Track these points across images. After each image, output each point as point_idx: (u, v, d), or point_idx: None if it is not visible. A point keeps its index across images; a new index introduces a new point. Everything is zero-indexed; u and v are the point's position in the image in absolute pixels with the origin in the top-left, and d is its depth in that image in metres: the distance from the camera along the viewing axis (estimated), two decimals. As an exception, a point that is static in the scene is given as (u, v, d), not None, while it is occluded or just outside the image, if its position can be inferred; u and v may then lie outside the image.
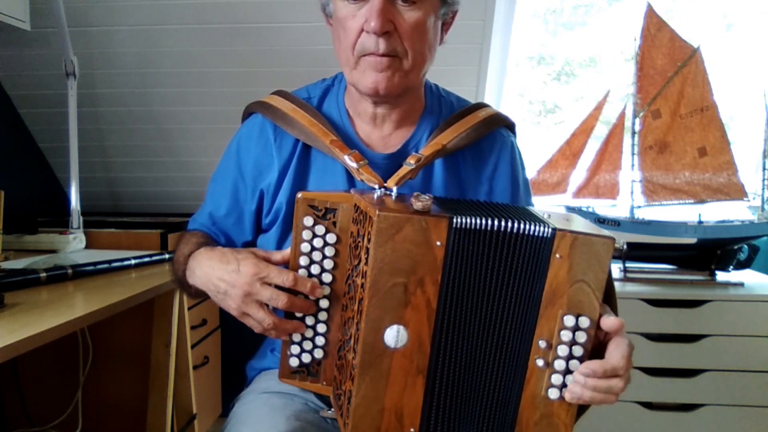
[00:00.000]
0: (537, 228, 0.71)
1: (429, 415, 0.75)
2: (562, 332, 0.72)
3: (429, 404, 0.75)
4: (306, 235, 0.79)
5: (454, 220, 0.70)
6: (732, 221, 2.06)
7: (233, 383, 1.14)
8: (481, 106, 1.03)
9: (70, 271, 1.23)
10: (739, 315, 1.86)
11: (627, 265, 2.04)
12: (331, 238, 0.80)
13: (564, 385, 0.74)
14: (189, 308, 1.48)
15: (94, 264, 1.31)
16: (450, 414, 0.76)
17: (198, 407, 1.54)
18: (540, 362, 0.73)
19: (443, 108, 1.01)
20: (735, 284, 1.95)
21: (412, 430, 0.75)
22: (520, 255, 0.72)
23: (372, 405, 0.73)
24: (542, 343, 0.73)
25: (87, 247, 1.70)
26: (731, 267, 2.02)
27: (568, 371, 0.73)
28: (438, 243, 0.70)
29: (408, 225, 0.69)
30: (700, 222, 2.02)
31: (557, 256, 0.70)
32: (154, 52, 1.89)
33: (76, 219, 1.70)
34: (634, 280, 1.97)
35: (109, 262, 1.34)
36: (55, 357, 1.49)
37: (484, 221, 0.71)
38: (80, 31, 1.81)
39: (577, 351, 0.72)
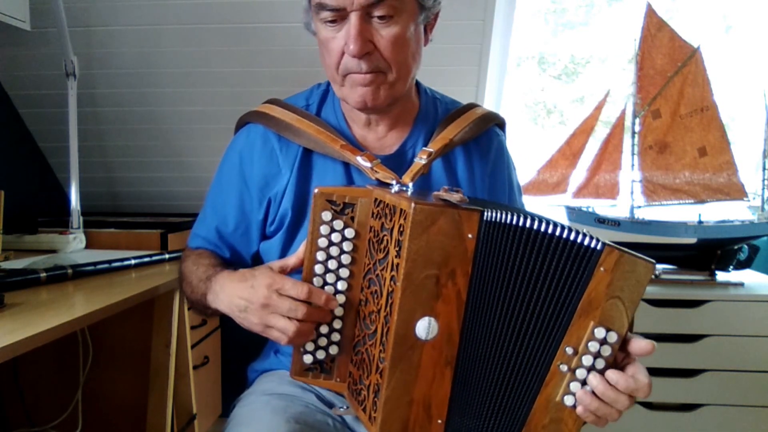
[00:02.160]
0: (586, 239, 0.71)
1: (455, 406, 0.76)
2: (590, 343, 0.73)
3: (456, 395, 0.75)
4: (324, 230, 0.80)
5: (485, 214, 0.72)
6: (732, 221, 2.05)
7: (233, 384, 1.14)
8: (475, 105, 1.06)
9: (70, 271, 1.23)
10: (739, 315, 1.86)
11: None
12: (349, 233, 0.80)
13: None
14: (189, 308, 1.48)
15: (94, 264, 1.31)
16: (474, 405, 0.77)
17: (198, 407, 1.54)
18: (563, 368, 0.74)
19: (438, 109, 1.03)
20: (735, 284, 1.95)
21: (439, 421, 0.75)
22: (561, 259, 0.72)
23: (401, 397, 0.74)
24: (569, 350, 0.73)
25: (87, 247, 1.69)
26: (731, 267, 2.03)
27: (586, 382, 0.74)
28: (470, 235, 0.72)
29: (442, 217, 0.71)
30: (700, 222, 2.02)
31: (601, 269, 0.71)
32: (154, 52, 1.89)
33: (76, 219, 1.70)
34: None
35: (109, 262, 1.34)
36: (55, 357, 1.49)
37: (512, 217, 0.72)
38: (80, 31, 1.81)
39: (600, 364, 0.74)
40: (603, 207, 2.20)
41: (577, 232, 0.72)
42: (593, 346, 0.73)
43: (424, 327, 0.72)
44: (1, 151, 1.95)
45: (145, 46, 1.87)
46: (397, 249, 0.72)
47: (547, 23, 2.43)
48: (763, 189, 2.11)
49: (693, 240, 2.01)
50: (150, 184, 2.26)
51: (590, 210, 2.15)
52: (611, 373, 0.72)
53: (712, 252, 2.00)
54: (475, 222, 0.71)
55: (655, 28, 2.10)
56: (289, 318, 0.76)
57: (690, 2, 2.32)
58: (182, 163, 2.19)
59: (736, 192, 2.09)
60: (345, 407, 0.88)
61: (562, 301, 0.73)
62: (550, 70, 2.50)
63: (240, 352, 1.30)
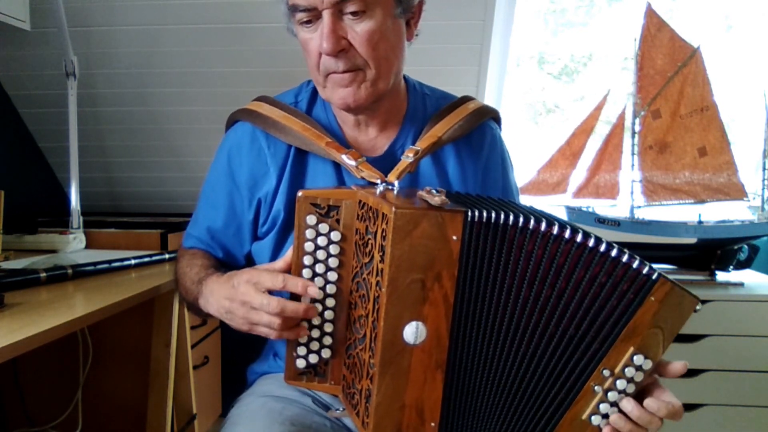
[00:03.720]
0: (642, 265, 0.71)
1: (448, 408, 0.75)
2: (627, 368, 0.73)
3: (448, 398, 0.75)
4: (309, 234, 0.79)
5: (469, 214, 0.70)
6: (732, 221, 2.05)
7: (233, 384, 1.14)
8: (468, 99, 1.03)
9: (70, 271, 1.23)
10: (739, 315, 1.86)
11: (627, 265, 2.04)
12: (335, 236, 0.79)
13: (608, 416, 0.75)
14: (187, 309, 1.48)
15: (94, 264, 1.31)
16: (470, 408, 0.76)
17: (198, 407, 1.54)
18: (597, 388, 0.74)
19: (428, 106, 1.01)
20: (735, 284, 1.95)
21: (432, 424, 0.75)
22: (599, 276, 0.71)
23: (393, 402, 0.74)
24: (606, 372, 0.73)
25: (87, 247, 1.69)
26: (731, 267, 2.02)
27: (615, 404, 0.74)
28: (454, 237, 0.70)
29: (425, 220, 0.69)
30: (700, 222, 2.02)
31: (652, 298, 0.71)
32: (154, 52, 1.89)
33: (76, 219, 1.70)
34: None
35: (109, 262, 1.34)
36: (55, 357, 1.49)
37: (505, 216, 0.71)
38: (80, 31, 1.81)
39: (630, 389, 0.74)
40: (603, 207, 2.20)
41: (620, 251, 0.71)
42: (629, 372, 0.73)
43: (412, 331, 0.72)
44: (1, 151, 1.95)
45: (145, 46, 1.87)
46: (381, 254, 0.72)
47: (547, 23, 2.43)
48: (763, 189, 2.11)
49: (693, 240, 2.01)
50: (150, 184, 2.26)
51: (590, 210, 2.15)
52: (650, 402, 0.73)
53: (712, 252, 1.99)
54: (459, 223, 0.70)
55: (655, 28, 2.10)
56: (269, 313, 0.76)
57: (690, 2, 2.32)
58: (182, 163, 2.19)
59: (736, 192, 2.09)
60: (341, 409, 0.88)
61: (602, 321, 0.72)
62: (550, 69, 2.50)
63: (240, 353, 1.30)
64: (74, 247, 1.64)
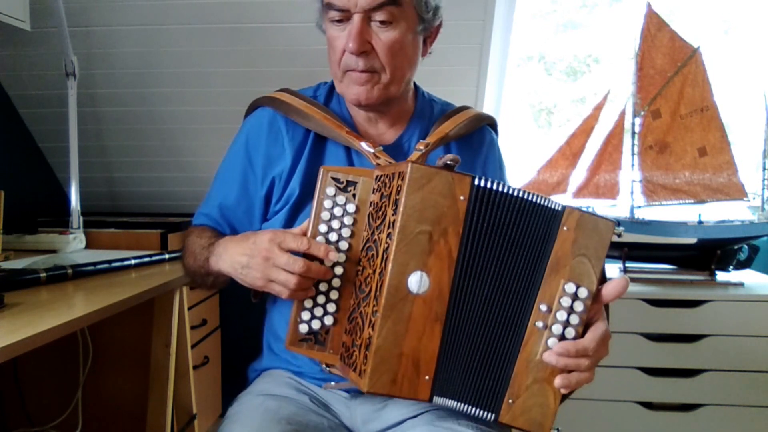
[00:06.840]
0: (549, 202, 0.79)
1: (443, 363, 0.78)
2: (563, 299, 0.78)
3: (444, 352, 0.78)
4: (327, 203, 0.85)
5: (476, 180, 0.77)
6: (732, 221, 2.05)
7: (233, 384, 1.15)
8: (468, 107, 1.13)
9: (70, 271, 1.23)
10: (739, 315, 1.86)
11: (627, 265, 2.04)
12: (350, 207, 0.86)
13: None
14: (189, 308, 1.48)
15: (94, 264, 1.31)
16: (457, 363, 0.79)
17: (198, 407, 1.54)
18: (540, 324, 0.78)
19: (434, 109, 1.10)
20: (735, 284, 1.96)
21: (426, 377, 0.78)
22: (531, 223, 0.79)
23: (392, 348, 0.76)
24: (543, 307, 0.78)
25: (87, 247, 1.70)
26: (731, 267, 2.03)
27: (563, 337, 0.78)
28: (461, 197, 0.77)
29: (437, 177, 0.76)
30: (700, 222, 2.02)
31: (564, 228, 0.78)
32: (154, 52, 1.89)
33: (76, 219, 1.70)
34: (635, 280, 1.97)
35: (109, 262, 1.34)
36: (55, 357, 1.49)
37: (501, 185, 0.78)
38: (80, 31, 1.81)
39: (574, 320, 0.78)
40: (603, 207, 2.20)
41: (546, 199, 0.79)
42: (566, 302, 0.78)
43: (416, 280, 0.76)
44: (1, 151, 1.95)
45: (145, 46, 1.88)
46: (393, 208, 0.77)
47: (548, 23, 2.43)
48: (763, 189, 2.11)
49: (693, 240, 2.01)
50: (150, 184, 2.26)
51: (590, 210, 2.15)
52: (558, 347, 0.77)
53: (712, 252, 2.00)
54: (467, 185, 0.77)
55: (655, 28, 2.11)
56: (290, 272, 0.79)
57: (690, 3, 2.32)
58: (182, 163, 2.19)
59: (736, 192, 2.09)
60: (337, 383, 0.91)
61: (533, 261, 0.79)
62: (550, 70, 2.50)
63: (240, 352, 1.30)
64: (74, 247, 1.64)
